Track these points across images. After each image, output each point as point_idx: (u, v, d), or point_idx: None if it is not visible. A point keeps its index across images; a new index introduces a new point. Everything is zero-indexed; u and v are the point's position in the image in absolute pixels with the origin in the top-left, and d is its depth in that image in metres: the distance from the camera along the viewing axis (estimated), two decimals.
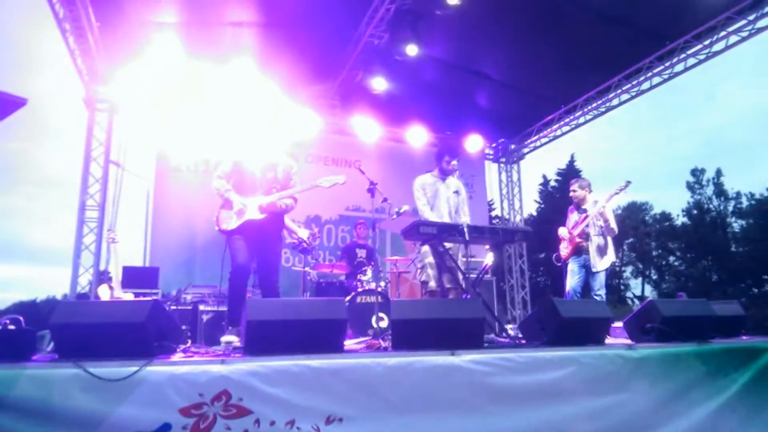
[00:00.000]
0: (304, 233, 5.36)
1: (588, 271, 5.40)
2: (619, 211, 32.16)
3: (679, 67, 7.83)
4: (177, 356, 2.64)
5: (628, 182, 5.32)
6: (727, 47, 7.25)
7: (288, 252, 7.77)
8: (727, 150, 63.95)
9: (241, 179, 3.98)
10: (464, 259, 4.24)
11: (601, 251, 5.35)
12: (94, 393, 2.19)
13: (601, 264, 5.32)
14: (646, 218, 36.64)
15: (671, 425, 2.98)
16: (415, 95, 8.59)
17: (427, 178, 4.74)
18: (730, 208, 33.85)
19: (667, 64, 7.86)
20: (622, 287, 34.79)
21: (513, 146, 10.80)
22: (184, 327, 4.20)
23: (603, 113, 9.25)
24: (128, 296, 4.97)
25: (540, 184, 34.90)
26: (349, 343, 3.51)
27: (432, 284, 4.51)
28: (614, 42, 7.46)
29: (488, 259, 5.09)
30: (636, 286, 35.58)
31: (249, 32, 7.06)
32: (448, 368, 2.66)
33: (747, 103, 72.84)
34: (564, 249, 5.60)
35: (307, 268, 6.40)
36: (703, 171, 35.23)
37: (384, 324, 5.11)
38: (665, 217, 36.27)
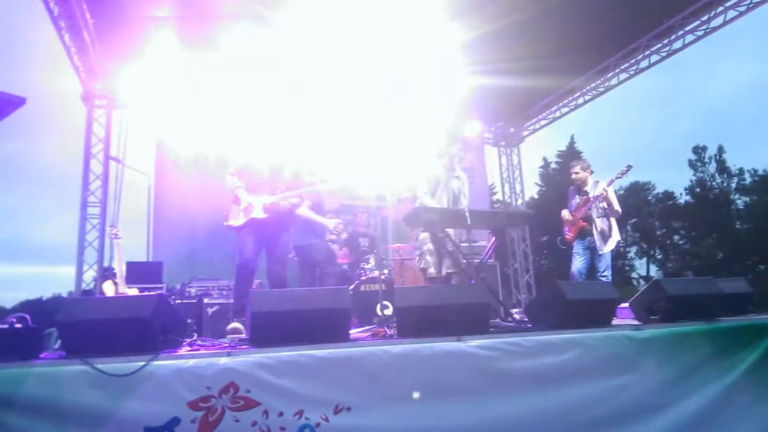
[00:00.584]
0: (331, 223, 5.37)
1: (593, 253, 5.38)
2: (622, 192, 31.96)
3: (678, 44, 7.73)
4: (183, 350, 2.65)
5: (629, 166, 5.28)
6: (726, 22, 7.12)
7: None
8: (728, 126, 63.41)
9: (250, 177, 4.16)
10: (465, 244, 4.24)
11: (606, 233, 5.33)
12: (102, 389, 2.20)
13: (607, 246, 5.30)
14: (649, 198, 36.44)
15: (679, 405, 2.96)
16: None
17: None
18: (734, 185, 33.53)
19: (665, 41, 7.75)
20: (627, 268, 34.69)
21: (512, 129, 10.70)
22: (189, 320, 4.21)
23: (602, 93, 9.15)
24: (133, 291, 5.00)
25: (540, 167, 34.69)
26: (354, 332, 3.52)
27: (431, 271, 4.51)
28: (611, 21, 7.31)
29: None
30: (641, 266, 35.48)
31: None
32: (454, 354, 2.66)
33: (746, 77, 72.00)
34: (568, 232, 5.59)
35: None
36: (704, 148, 34.72)
37: (389, 312, 5.12)
38: (668, 196, 36.03)
